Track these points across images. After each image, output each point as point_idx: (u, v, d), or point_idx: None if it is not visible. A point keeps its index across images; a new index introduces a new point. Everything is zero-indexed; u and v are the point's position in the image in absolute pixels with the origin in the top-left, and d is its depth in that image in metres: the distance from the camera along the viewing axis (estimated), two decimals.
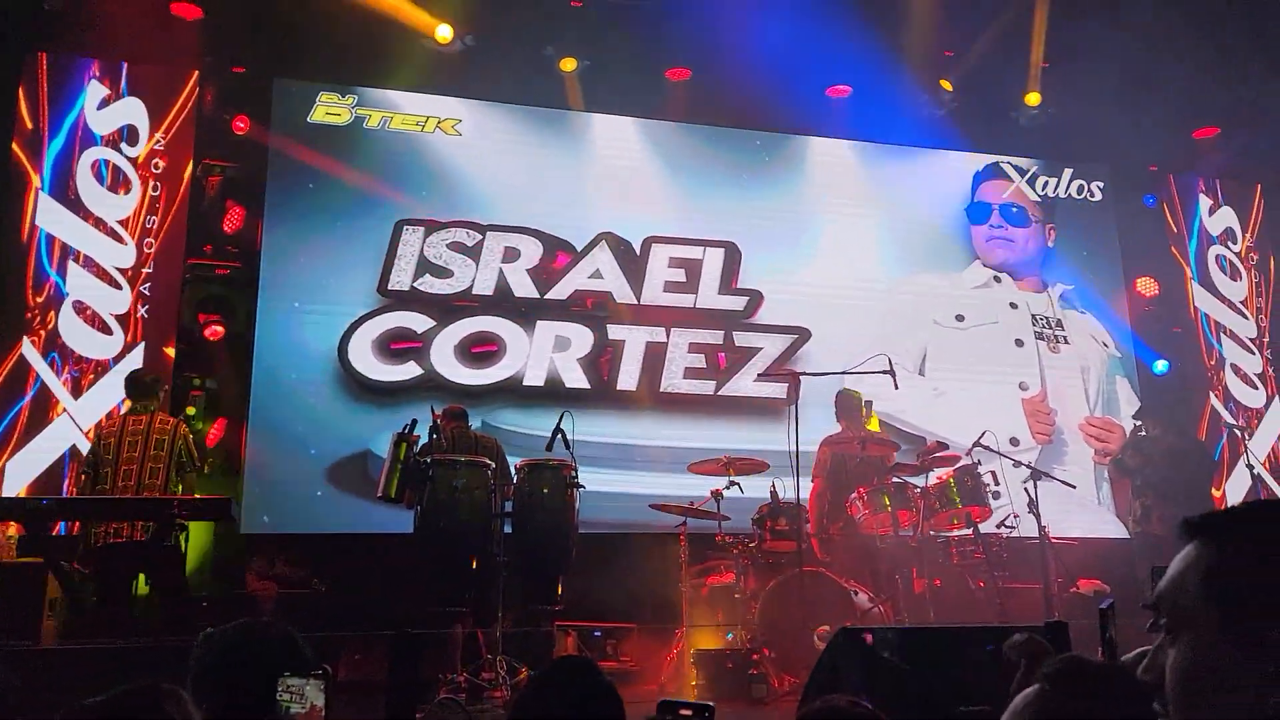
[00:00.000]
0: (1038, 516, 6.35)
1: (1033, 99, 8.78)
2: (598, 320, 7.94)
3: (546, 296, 7.89)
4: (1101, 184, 9.53)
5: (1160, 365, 9.01)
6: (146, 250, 7.13)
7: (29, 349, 6.72)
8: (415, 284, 7.63)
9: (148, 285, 7.07)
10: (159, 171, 7.28)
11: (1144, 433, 7.80)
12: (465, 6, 7.69)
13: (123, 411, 5.92)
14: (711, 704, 1.47)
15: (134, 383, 5.96)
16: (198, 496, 5.31)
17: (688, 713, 1.44)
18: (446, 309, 7.66)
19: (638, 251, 8.15)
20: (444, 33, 7.70)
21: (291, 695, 1.62)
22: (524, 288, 7.86)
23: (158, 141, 7.31)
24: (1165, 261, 9.58)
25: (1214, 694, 0.97)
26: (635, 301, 8.04)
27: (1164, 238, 9.64)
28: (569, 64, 8.04)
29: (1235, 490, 8.90)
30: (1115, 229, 9.47)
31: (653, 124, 8.50)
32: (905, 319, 8.57)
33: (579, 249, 8.04)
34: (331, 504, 6.97)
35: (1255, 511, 1.05)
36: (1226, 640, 0.96)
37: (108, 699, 1.36)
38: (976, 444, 6.43)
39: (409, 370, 7.46)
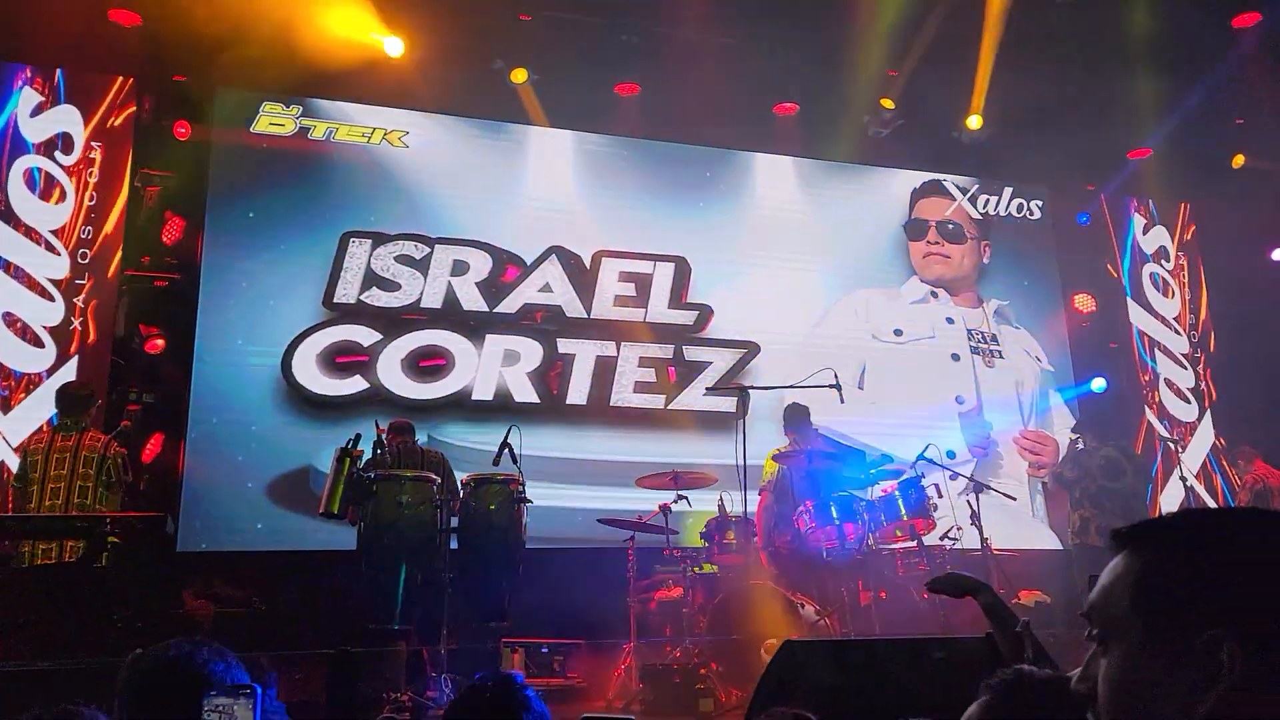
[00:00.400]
0: (980, 528, 6.46)
1: (975, 123, 8.97)
2: (547, 334, 7.91)
3: (495, 310, 7.84)
4: (1040, 202, 9.76)
5: (1098, 384, 9.22)
6: (81, 261, 6.94)
7: None
8: (362, 297, 7.53)
9: (82, 297, 6.89)
10: (95, 181, 7.10)
11: (1081, 446, 7.97)
12: (414, 19, 7.62)
13: (52, 426, 5.71)
14: (632, 717, 1.46)
15: (65, 396, 5.76)
16: (132, 514, 5.15)
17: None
18: (394, 322, 7.58)
19: (588, 265, 8.14)
20: (393, 46, 7.61)
21: (220, 715, 1.56)
22: (473, 301, 7.81)
23: (93, 150, 7.13)
24: (1101, 279, 9.83)
25: (1143, 703, 0.98)
26: (585, 315, 8.03)
27: (1100, 256, 9.90)
28: (520, 75, 8.02)
29: (1170, 501, 9.14)
30: (1054, 247, 9.69)
31: (603, 138, 8.51)
32: (847, 333, 8.67)
33: (529, 262, 8.01)
34: (273, 521, 6.83)
35: (1181, 521, 1.07)
36: (1154, 650, 0.97)
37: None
38: (920, 457, 6.53)
39: (355, 384, 7.35)
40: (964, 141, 9.13)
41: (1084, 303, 9.61)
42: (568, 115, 8.35)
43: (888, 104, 8.76)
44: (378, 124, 7.92)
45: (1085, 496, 7.67)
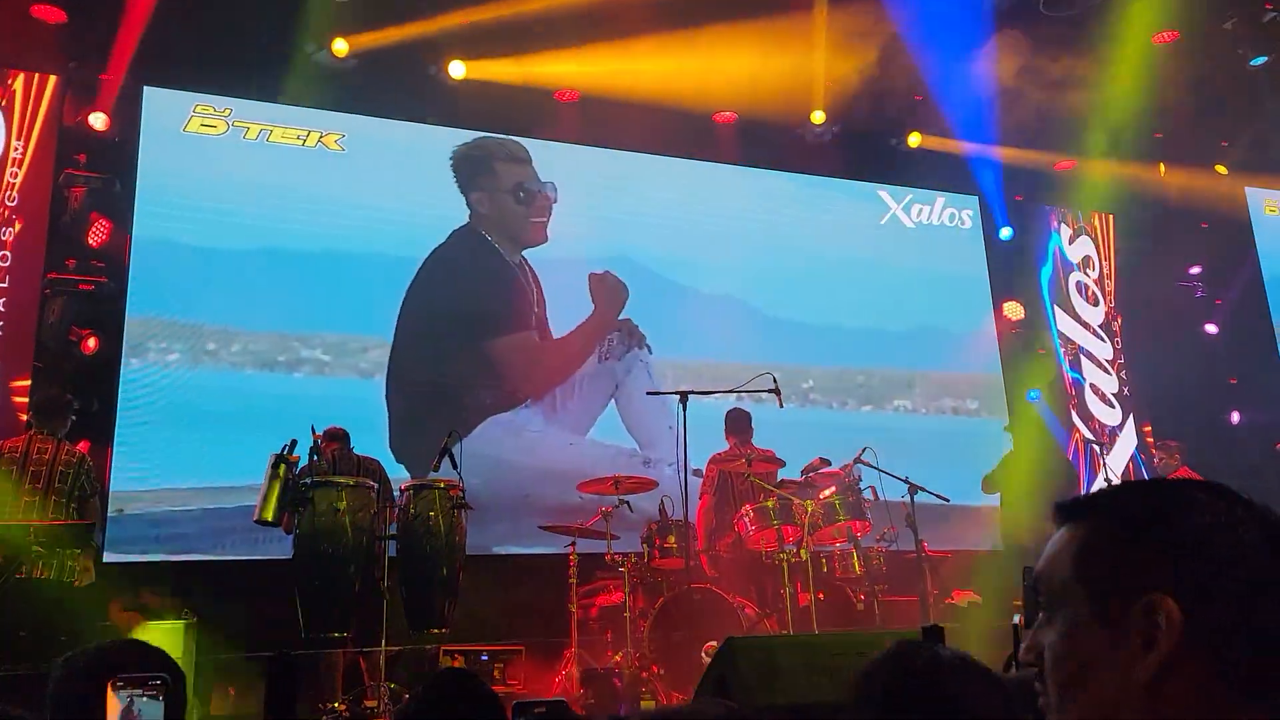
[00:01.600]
0: (915, 530, 6.57)
1: (914, 139, 9.21)
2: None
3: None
4: (971, 212, 10.01)
5: (1031, 392, 9.49)
6: (2, 263, 6.70)
7: None
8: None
9: (1, 300, 6.65)
10: (15, 180, 6.86)
11: (1009, 449, 8.16)
12: (351, 20, 7.55)
13: (29, 434, 5.47)
14: (563, 699, 1.47)
15: (46, 404, 5.54)
16: (57, 522, 4.98)
17: (542, 710, 1.43)
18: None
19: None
20: (340, 47, 7.56)
21: (130, 703, 1.47)
22: None
23: (15, 149, 6.90)
24: (1030, 287, 10.12)
25: (1085, 670, 0.99)
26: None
27: (1029, 264, 10.18)
28: (457, 72, 7.98)
29: None
30: (984, 255, 9.94)
31: (542, 144, 8.50)
32: (787, 339, 8.79)
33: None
34: (203, 529, 6.66)
35: (1121, 491, 1.09)
36: (1095, 616, 0.99)
37: None
38: (857, 460, 6.63)
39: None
40: (900, 150, 9.33)
41: (1013, 310, 9.87)
42: (506, 121, 8.32)
43: (817, 120, 8.92)
44: (314, 126, 7.80)
45: (1014, 498, 7.87)
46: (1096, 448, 9.34)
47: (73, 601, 5.14)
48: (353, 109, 7.91)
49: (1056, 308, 10.16)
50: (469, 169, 8.29)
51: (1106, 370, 10.17)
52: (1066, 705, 1.01)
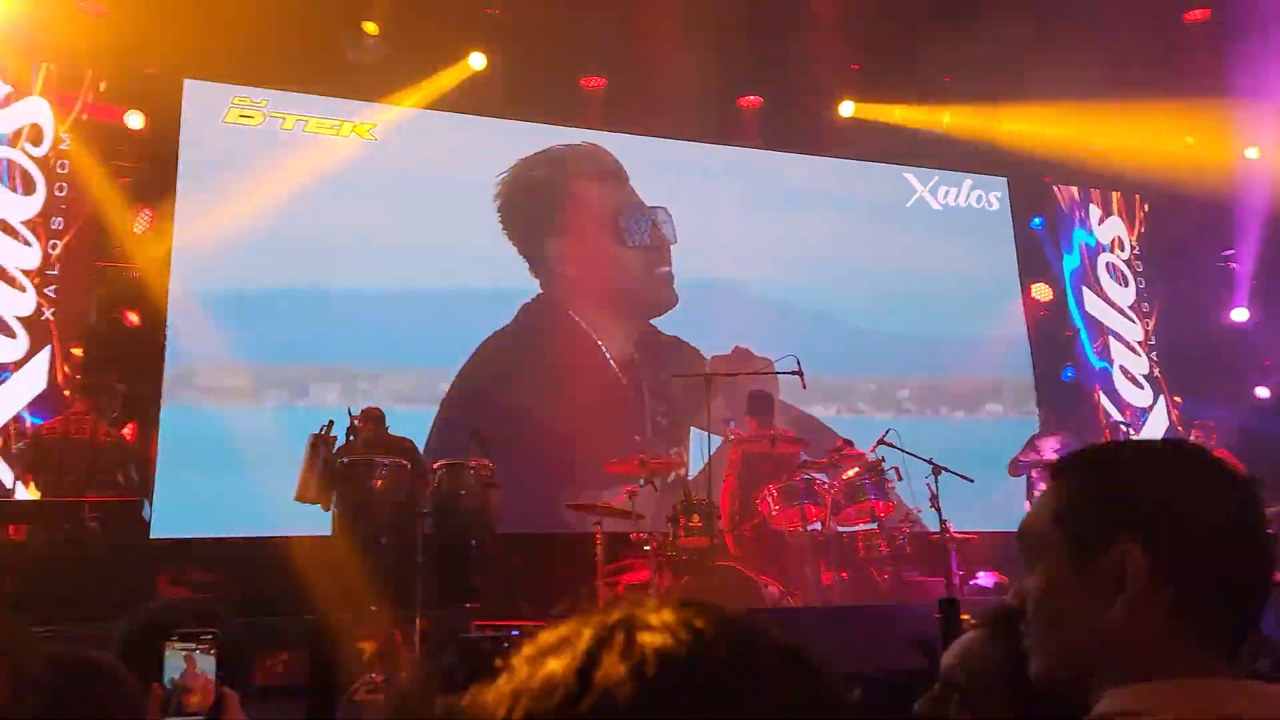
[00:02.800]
0: (939, 510, 6.64)
1: (944, 117, 9.23)
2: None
3: None
4: (999, 194, 9.99)
5: (1066, 370, 9.52)
6: (52, 252, 6.96)
7: None
8: None
9: (53, 288, 6.91)
10: (64, 172, 7.12)
11: (1036, 431, 8.20)
12: (381, 10, 7.70)
13: (67, 416, 5.78)
14: (513, 630, 1.56)
15: (92, 388, 5.91)
16: (109, 499, 5.23)
17: (486, 643, 1.52)
18: None
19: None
20: (366, 37, 7.74)
21: (181, 657, 1.57)
22: None
23: (63, 141, 7.15)
24: (1058, 267, 10.08)
25: (1059, 613, 1.09)
26: None
27: (1057, 245, 10.15)
28: (477, 64, 8.11)
29: None
30: (1012, 237, 9.93)
31: (570, 131, 8.61)
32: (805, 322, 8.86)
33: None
34: (246, 506, 6.89)
35: (1102, 449, 1.19)
36: (1070, 563, 1.09)
37: (56, 659, 1.41)
38: (881, 440, 6.71)
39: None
40: (921, 135, 9.33)
41: (1041, 292, 9.85)
42: (534, 107, 8.44)
43: (842, 113, 8.97)
44: (346, 116, 7.98)
45: (1041, 479, 7.91)
46: (1125, 428, 9.34)
47: (124, 576, 5.39)
48: (384, 98, 8.07)
49: (1085, 289, 10.13)
50: (529, 205, 8.39)
51: (1136, 351, 10.14)
52: (1046, 645, 1.11)
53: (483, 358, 7.87)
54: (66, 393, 6.62)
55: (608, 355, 8.18)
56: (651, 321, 8.46)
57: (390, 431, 6.10)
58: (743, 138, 9.07)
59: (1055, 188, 10.29)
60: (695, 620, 0.59)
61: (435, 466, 5.66)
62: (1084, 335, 9.96)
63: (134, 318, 7.01)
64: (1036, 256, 9.97)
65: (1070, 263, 10.14)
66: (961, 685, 1.32)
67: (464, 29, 7.94)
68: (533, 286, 8.23)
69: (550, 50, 8.15)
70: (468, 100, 8.26)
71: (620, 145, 8.73)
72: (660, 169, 8.81)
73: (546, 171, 8.44)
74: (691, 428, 8.04)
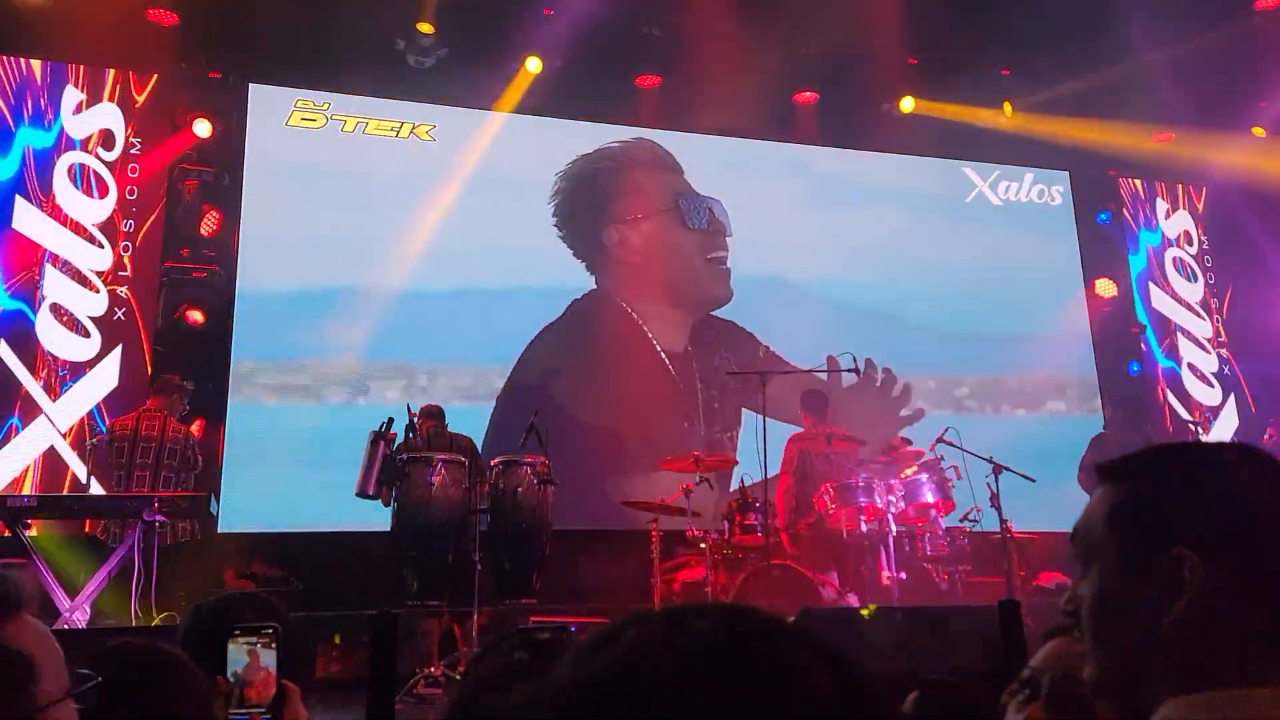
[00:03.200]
0: (999, 510, 6.54)
1: (1006, 109, 9.06)
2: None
3: None
4: (1061, 188, 9.79)
5: (1133, 365, 9.31)
6: (123, 254, 7.18)
7: (6, 351, 6.75)
8: None
9: (124, 288, 7.13)
10: (135, 176, 7.34)
11: (1100, 431, 8.01)
12: (439, 13, 7.79)
13: (138, 412, 6.00)
14: (571, 625, 1.55)
15: (159, 384, 6.13)
16: (178, 494, 5.39)
17: (545, 635, 1.51)
18: None
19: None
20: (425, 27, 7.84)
21: (244, 651, 1.60)
22: None
23: (134, 146, 7.37)
24: (1123, 263, 9.85)
25: (1113, 619, 1.07)
26: None
27: (1123, 241, 9.91)
28: (533, 65, 8.17)
29: None
30: (1075, 232, 9.72)
31: (624, 129, 8.64)
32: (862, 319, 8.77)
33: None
34: (309, 502, 7.04)
35: (1156, 452, 1.16)
36: (1125, 568, 1.07)
37: (108, 653, 1.45)
38: (940, 439, 6.63)
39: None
40: (982, 129, 9.18)
41: (1105, 288, 9.63)
42: (590, 107, 8.48)
43: (904, 108, 8.87)
44: (405, 117, 8.10)
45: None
46: (1193, 427, 9.08)
47: (190, 569, 5.56)
48: (442, 100, 8.17)
49: (1152, 284, 9.87)
50: (587, 196, 8.44)
51: (1205, 349, 9.85)
52: (1100, 652, 1.09)
53: (533, 354, 7.93)
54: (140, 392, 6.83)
55: (657, 346, 8.18)
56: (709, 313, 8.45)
57: (450, 428, 6.18)
58: (799, 134, 9.01)
59: (1120, 181, 10.04)
60: (735, 622, 0.59)
61: (493, 463, 5.71)
62: (1150, 332, 9.71)
63: (201, 317, 7.19)
64: (1100, 251, 9.75)
65: (1136, 258, 9.89)
66: (1042, 689, 1.29)
67: (520, 30, 8.00)
68: (588, 283, 8.27)
69: (605, 49, 8.17)
70: (524, 101, 8.32)
71: (675, 143, 8.73)
72: (716, 166, 8.79)
73: (603, 164, 8.48)
74: (746, 421, 8.01)
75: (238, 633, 1.63)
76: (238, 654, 1.62)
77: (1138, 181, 10.09)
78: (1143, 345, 9.64)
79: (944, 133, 9.19)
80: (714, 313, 8.46)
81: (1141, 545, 1.06)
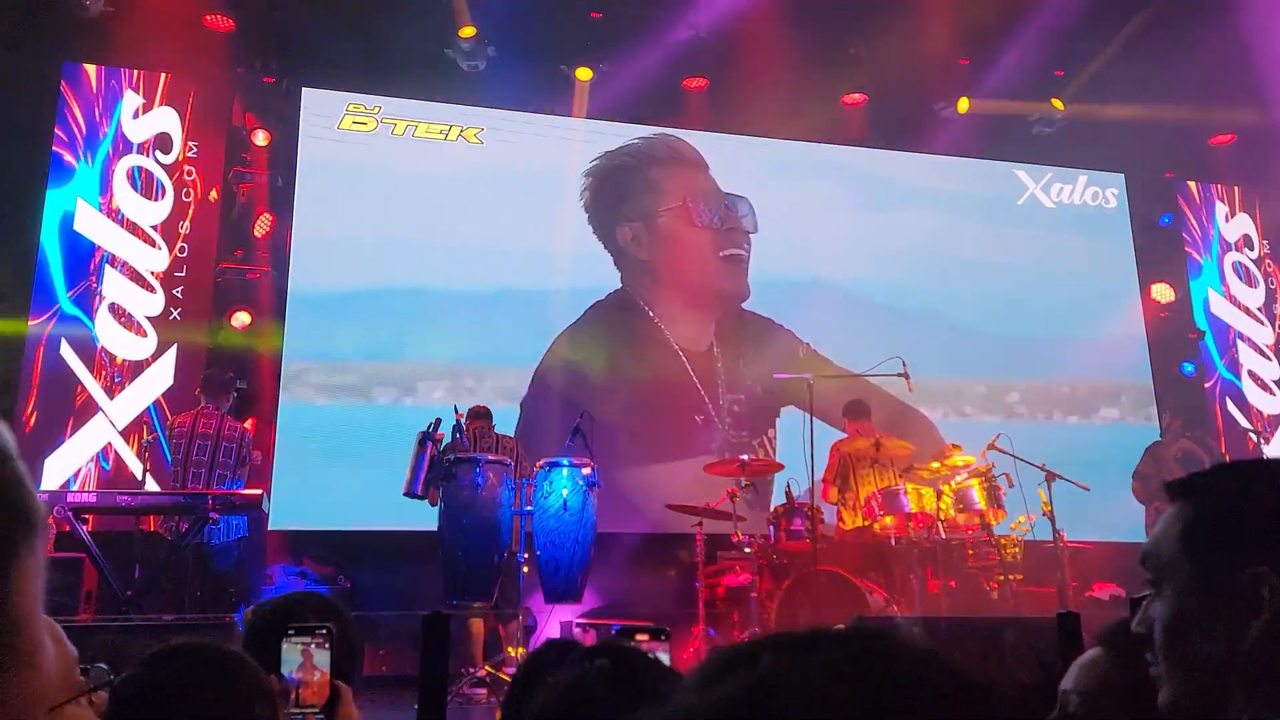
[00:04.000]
0: (1052, 519, 6.41)
1: (1057, 104, 8.90)
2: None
3: None
4: (1116, 190, 9.59)
5: (1187, 366, 9.11)
6: (179, 255, 7.32)
7: (66, 350, 6.92)
8: None
9: (180, 289, 7.27)
10: (191, 178, 7.48)
11: (1156, 439, 7.83)
12: (488, 16, 7.85)
13: (195, 410, 6.12)
14: (666, 628, 1.53)
15: (209, 381, 6.24)
16: (231, 492, 5.48)
17: (644, 636, 1.50)
18: None
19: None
20: (467, 32, 7.89)
21: (299, 650, 1.62)
22: None
23: (190, 149, 7.51)
24: (1180, 268, 9.62)
25: (1191, 640, 1.05)
26: None
27: (1179, 244, 9.68)
28: (584, 73, 8.20)
29: None
30: (1130, 236, 9.52)
31: (671, 132, 8.63)
32: (911, 322, 8.67)
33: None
34: (357, 501, 7.12)
35: (1228, 470, 1.13)
36: (1201, 589, 1.05)
37: (171, 650, 1.46)
38: (990, 446, 6.52)
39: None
40: (1034, 130, 9.03)
41: (1162, 292, 9.41)
42: (637, 110, 8.48)
43: (963, 106, 8.72)
44: (454, 120, 8.16)
45: (1161, 490, 7.54)
46: (1254, 437, 8.84)
47: (241, 565, 5.65)
48: (490, 103, 8.22)
49: (1211, 290, 9.63)
50: (608, 194, 8.43)
51: (1267, 356, 9.59)
52: (1175, 674, 1.07)
53: (554, 356, 7.93)
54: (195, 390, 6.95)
55: (675, 345, 8.15)
56: (744, 307, 8.39)
57: (497, 429, 6.21)
58: (847, 136, 8.93)
59: (1177, 184, 9.81)
60: (874, 645, 0.57)
61: (538, 465, 5.72)
62: (1210, 338, 9.47)
63: (248, 319, 7.30)
64: (1157, 256, 9.53)
65: (1194, 262, 9.66)
66: (1078, 711, 1.25)
67: (569, 33, 8.03)
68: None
69: (651, 51, 8.17)
70: (573, 103, 8.35)
71: (720, 144, 8.70)
72: (763, 167, 8.74)
73: (622, 161, 8.45)
74: (791, 423, 7.95)
75: (292, 632, 1.65)
76: (292, 654, 1.63)
77: (1194, 184, 9.85)
78: (1201, 352, 9.41)
79: (995, 135, 9.06)
80: (751, 309, 8.40)
81: (1217, 565, 1.04)
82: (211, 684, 1.37)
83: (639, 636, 1.51)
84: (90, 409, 6.87)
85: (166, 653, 1.41)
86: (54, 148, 7.15)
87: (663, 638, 1.51)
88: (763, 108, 8.33)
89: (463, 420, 5.61)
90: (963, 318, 8.82)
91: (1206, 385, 9.34)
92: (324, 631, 1.66)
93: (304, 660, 1.66)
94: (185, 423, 5.93)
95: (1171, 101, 8.63)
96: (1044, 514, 6.34)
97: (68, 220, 7.09)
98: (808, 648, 0.57)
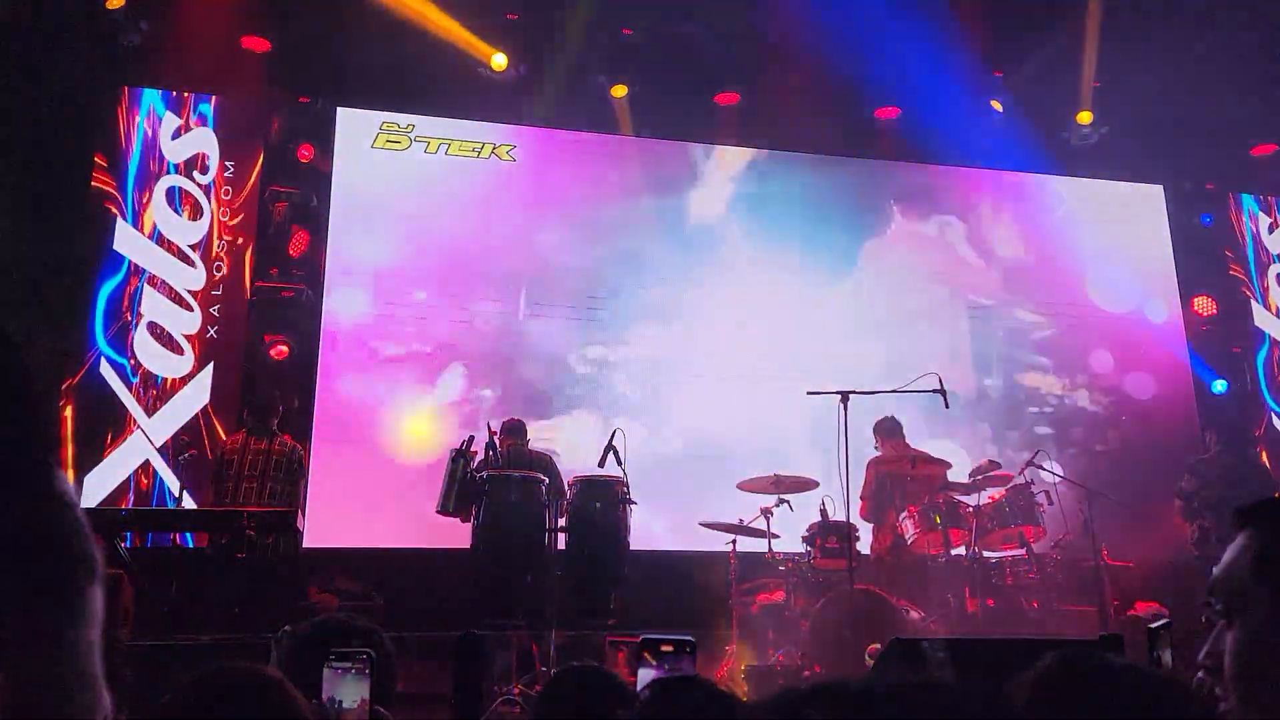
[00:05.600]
0: (1093, 537, 6.30)
1: (1084, 117, 8.78)
2: None
3: None
4: (1156, 202, 9.45)
5: (1219, 385, 8.89)
6: (216, 273, 7.41)
7: (106, 368, 7.01)
8: None
9: (217, 307, 7.35)
10: (228, 198, 7.57)
11: (1200, 455, 7.67)
12: (519, 36, 7.91)
13: (246, 432, 6.23)
14: (692, 639, 1.50)
15: (256, 406, 6.41)
16: (266, 509, 5.51)
17: (669, 648, 1.47)
18: None
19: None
20: (499, 61, 7.94)
21: (339, 675, 1.62)
22: None
23: (227, 169, 7.61)
24: (1223, 280, 9.45)
25: (1272, 671, 1.01)
26: None
27: (1221, 256, 9.51)
28: (619, 90, 8.23)
29: None
30: (1170, 247, 9.36)
31: (704, 148, 8.63)
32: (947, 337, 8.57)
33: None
34: (390, 518, 7.14)
35: None
36: (1278, 621, 1.01)
37: (212, 675, 1.46)
38: (1029, 463, 6.42)
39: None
40: (1073, 143, 8.92)
41: (1204, 305, 9.24)
42: (670, 126, 8.49)
43: (1085, 118, 8.64)
44: (486, 139, 8.20)
45: (1205, 506, 7.38)
46: None
47: (277, 583, 5.67)
48: (521, 121, 8.26)
49: (1255, 302, 9.44)
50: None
51: None
52: (1250, 705, 1.03)
53: None
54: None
55: None
56: None
57: (531, 446, 6.21)
58: (880, 150, 8.88)
59: (1218, 195, 9.64)
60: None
61: (570, 482, 5.71)
62: (1256, 352, 9.28)
63: (289, 336, 7.37)
64: (1198, 268, 9.36)
65: (1236, 273, 9.48)
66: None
67: (600, 50, 8.06)
68: None
69: (684, 68, 8.19)
70: (604, 120, 8.37)
71: (753, 158, 8.68)
72: (793, 181, 8.70)
73: None
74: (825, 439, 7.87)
75: (333, 658, 1.64)
76: (332, 680, 1.63)
77: (1233, 194, 9.67)
78: (1246, 365, 9.22)
79: (1031, 145, 8.96)
80: None
81: None
82: (254, 709, 1.36)
83: (664, 648, 1.48)
84: (128, 426, 6.95)
85: (207, 679, 1.40)
86: (95, 170, 7.27)
87: (688, 650, 1.49)
88: (794, 122, 8.31)
89: (496, 437, 5.60)
90: (997, 330, 8.71)
91: (1251, 400, 9.14)
92: (364, 658, 1.65)
93: (343, 685, 1.66)
94: (237, 441, 6.04)
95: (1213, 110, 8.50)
96: (1085, 532, 6.23)
97: (108, 241, 7.20)
98: (862, 705, 0.54)
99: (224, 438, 6.50)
